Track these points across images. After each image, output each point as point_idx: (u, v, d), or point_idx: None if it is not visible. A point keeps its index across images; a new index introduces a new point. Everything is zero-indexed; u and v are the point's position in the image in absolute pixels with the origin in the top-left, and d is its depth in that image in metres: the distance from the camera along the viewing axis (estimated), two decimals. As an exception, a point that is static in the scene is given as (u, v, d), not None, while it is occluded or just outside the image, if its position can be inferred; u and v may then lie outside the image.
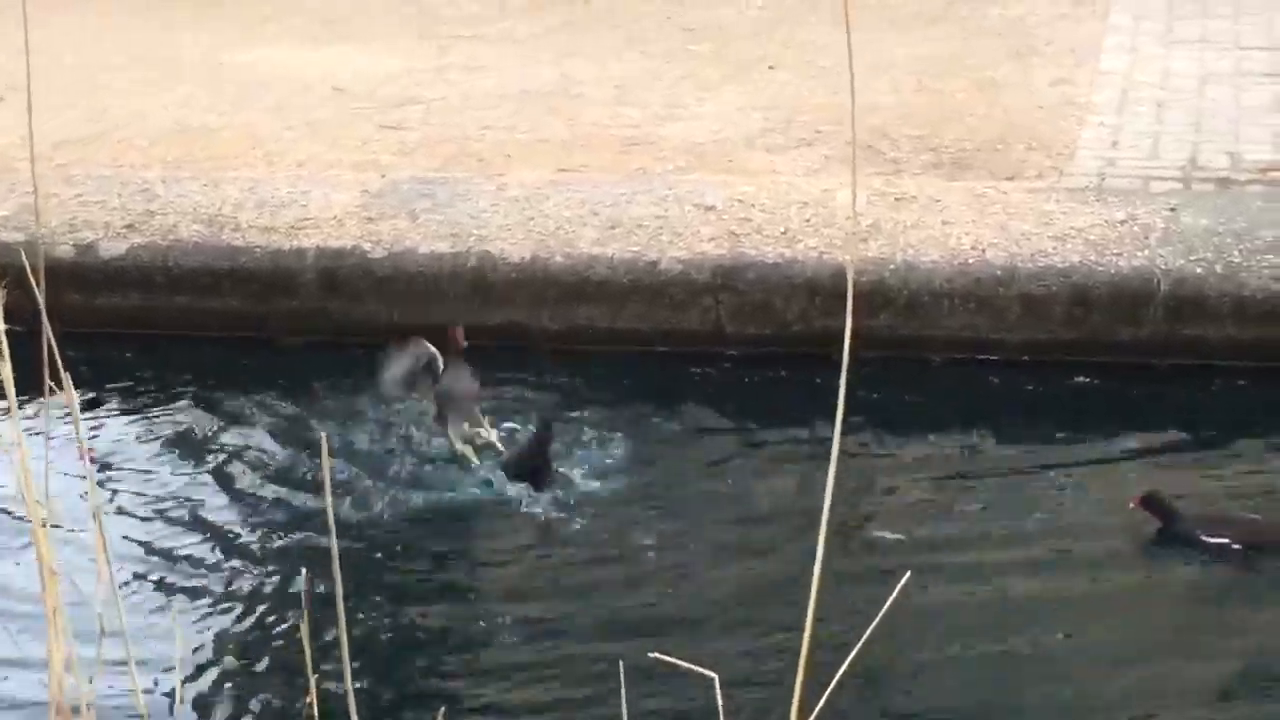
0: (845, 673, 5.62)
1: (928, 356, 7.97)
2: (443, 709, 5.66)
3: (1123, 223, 8.19)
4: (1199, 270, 7.85)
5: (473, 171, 9.27)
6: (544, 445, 6.98)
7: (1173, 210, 8.32)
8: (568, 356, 8.12)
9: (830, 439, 2.36)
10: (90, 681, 2.95)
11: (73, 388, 2.55)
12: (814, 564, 2.42)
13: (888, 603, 2.57)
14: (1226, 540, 6.40)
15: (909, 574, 2.78)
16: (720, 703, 2.75)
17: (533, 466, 6.95)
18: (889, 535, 6.66)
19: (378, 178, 9.08)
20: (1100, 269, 7.89)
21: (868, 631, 2.50)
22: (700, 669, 2.83)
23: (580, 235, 8.33)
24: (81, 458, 6.24)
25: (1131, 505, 6.52)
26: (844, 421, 2.48)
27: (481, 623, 6.25)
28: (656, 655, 3.20)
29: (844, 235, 8.12)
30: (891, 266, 7.98)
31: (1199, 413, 7.65)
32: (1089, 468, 7.24)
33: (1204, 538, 6.42)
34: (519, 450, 7.11)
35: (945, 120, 9.93)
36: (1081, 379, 7.81)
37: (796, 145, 9.65)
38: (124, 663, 2.95)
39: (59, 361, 2.60)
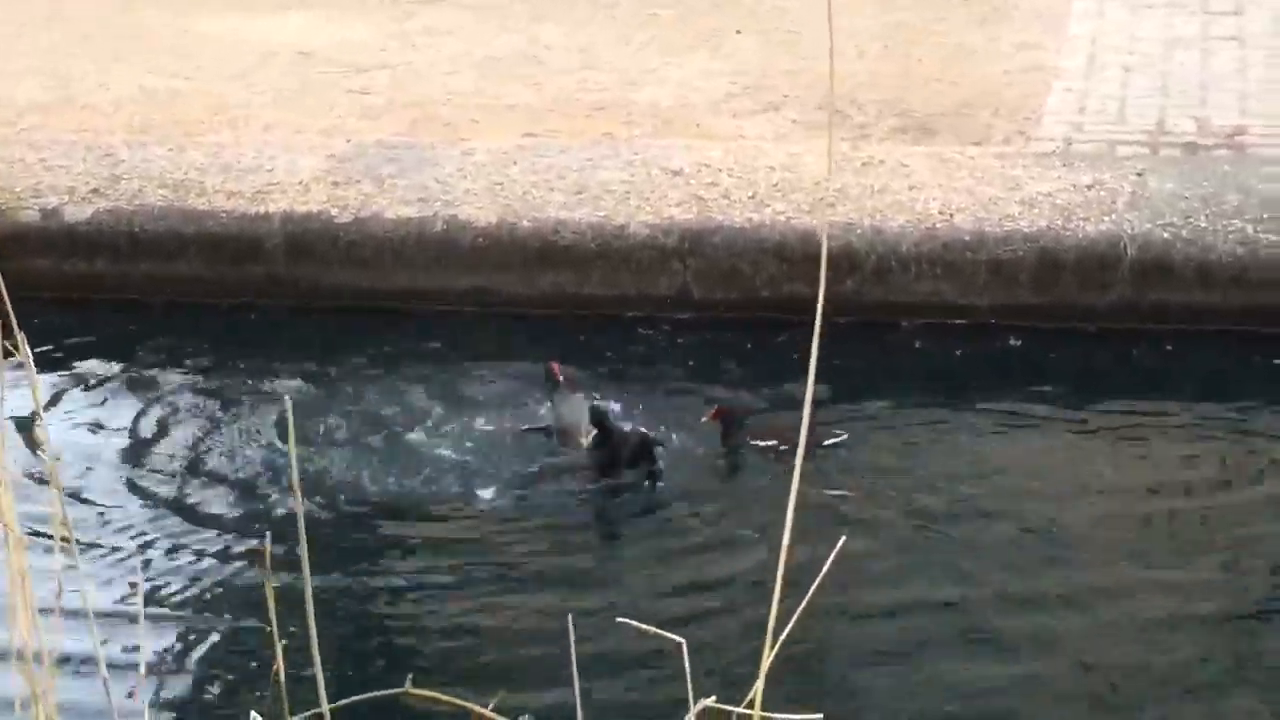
0: (814, 634, 5.60)
1: (895, 321, 7.96)
2: (410, 675, 5.65)
3: (1090, 188, 8.18)
4: (1166, 235, 7.86)
5: (439, 136, 9.23)
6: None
7: (1140, 175, 8.32)
8: (534, 321, 8.10)
9: (797, 403, 2.35)
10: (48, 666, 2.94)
11: (29, 349, 2.52)
12: (783, 528, 2.41)
13: (826, 566, 2.57)
14: (774, 443, 6.92)
15: (843, 538, 2.77)
16: (688, 667, 2.74)
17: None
18: (856, 497, 6.68)
19: (344, 143, 9.04)
20: (1067, 234, 7.88)
21: (808, 595, 2.49)
22: (668, 633, 2.82)
23: (547, 200, 8.31)
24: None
25: (705, 419, 7.04)
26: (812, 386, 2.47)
27: (450, 586, 6.25)
28: (624, 620, 3.19)
29: (812, 200, 8.10)
30: (858, 231, 7.97)
31: (1165, 377, 7.66)
32: (1056, 430, 7.27)
33: (754, 442, 6.98)
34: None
35: (912, 85, 9.91)
36: (1048, 344, 7.81)
37: (764, 110, 9.63)
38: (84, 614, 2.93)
39: (14, 323, 2.57)
